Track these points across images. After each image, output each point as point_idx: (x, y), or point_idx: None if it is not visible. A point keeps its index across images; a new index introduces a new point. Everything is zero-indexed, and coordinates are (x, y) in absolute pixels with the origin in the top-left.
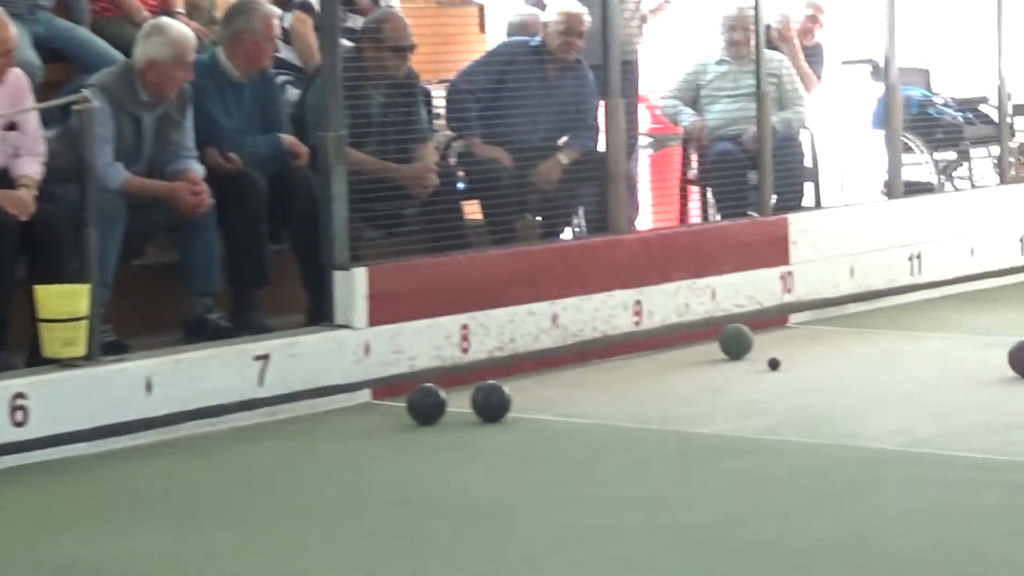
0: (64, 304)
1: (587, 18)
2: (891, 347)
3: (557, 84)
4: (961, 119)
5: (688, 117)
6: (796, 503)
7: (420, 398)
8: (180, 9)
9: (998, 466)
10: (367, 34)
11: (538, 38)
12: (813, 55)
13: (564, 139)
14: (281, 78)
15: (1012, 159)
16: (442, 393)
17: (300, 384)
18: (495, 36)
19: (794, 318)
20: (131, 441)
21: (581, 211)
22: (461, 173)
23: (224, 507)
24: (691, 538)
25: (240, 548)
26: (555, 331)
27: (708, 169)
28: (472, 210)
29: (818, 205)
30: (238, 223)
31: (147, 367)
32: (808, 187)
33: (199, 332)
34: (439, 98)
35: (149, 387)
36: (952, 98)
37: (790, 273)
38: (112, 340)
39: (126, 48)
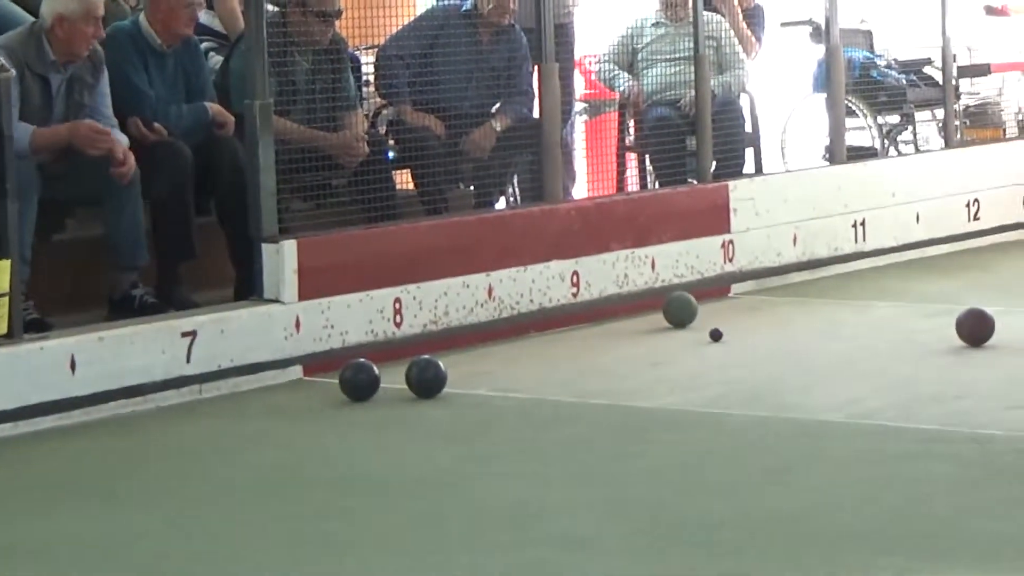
0: None
1: None
2: (836, 317)
3: (490, 49)
4: (905, 81)
5: (624, 82)
6: (741, 477)
7: (352, 374)
8: None
9: (948, 437)
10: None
11: (470, 1)
12: (752, 17)
13: (497, 106)
14: (205, 45)
15: (957, 122)
16: (375, 369)
17: (229, 361)
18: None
19: (736, 288)
20: (55, 421)
21: (515, 180)
22: (391, 142)
23: (151, 487)
24: (631, 515)
25: (167, 528)
26: (490, 304)
27: (646, 135)
28: (404, 180)
29: (759, 171)
30: (163, 195)
31: (70, 345)
32: (749, 153)
33: (124, 308)
34: (368, 64)
35: (73, 366)
36: (895, 60)
37: (731, 242)
38: (34, 318)
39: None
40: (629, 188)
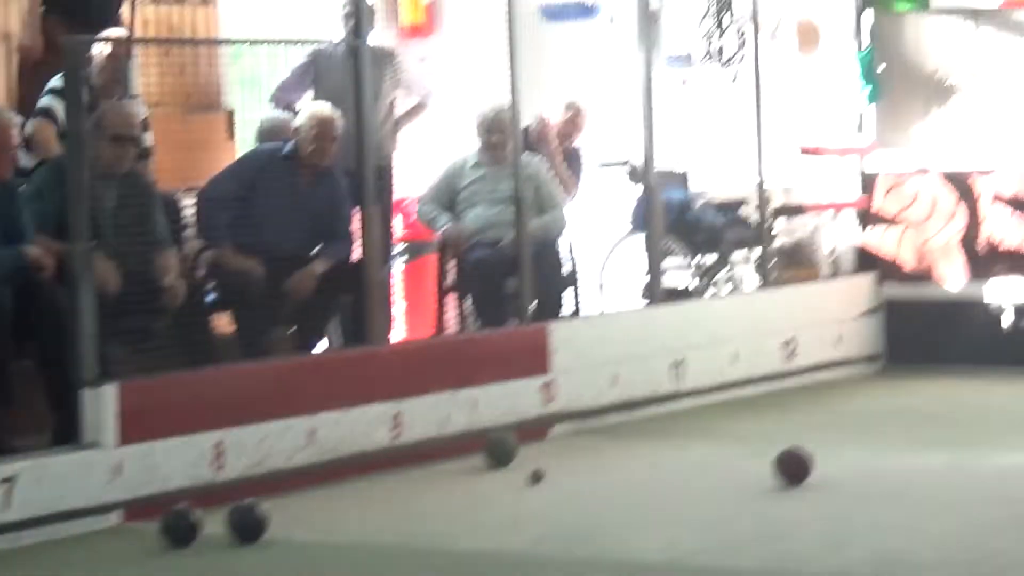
0: None
1: (339, 123)
2: (656, 457)
3: (310, 191)
4: (721, 222)
5: (445, 223)
6: None
7: (173, 520)
8: None
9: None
10: (93, 127)
11: (290, 145)
12: (572, 158)
13: (318, 248)
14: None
15: (773, 262)
16: (196, 514)
17: (48, 507)
18: (245, 142)
19: (556, 429)
20: None
21: (336, 322)
22: (212, 284)
23: None
24: None
25: None
26: (312, 447)
27: (466, 277)
28: (225, 322)
29: (578, 312)
30: None
31: None
32: (568, 293)
33: None
34: (189, 207)
35: None
36: (712, 200)
37: (551, 383)
38: None
39: None
40: (449, 330)
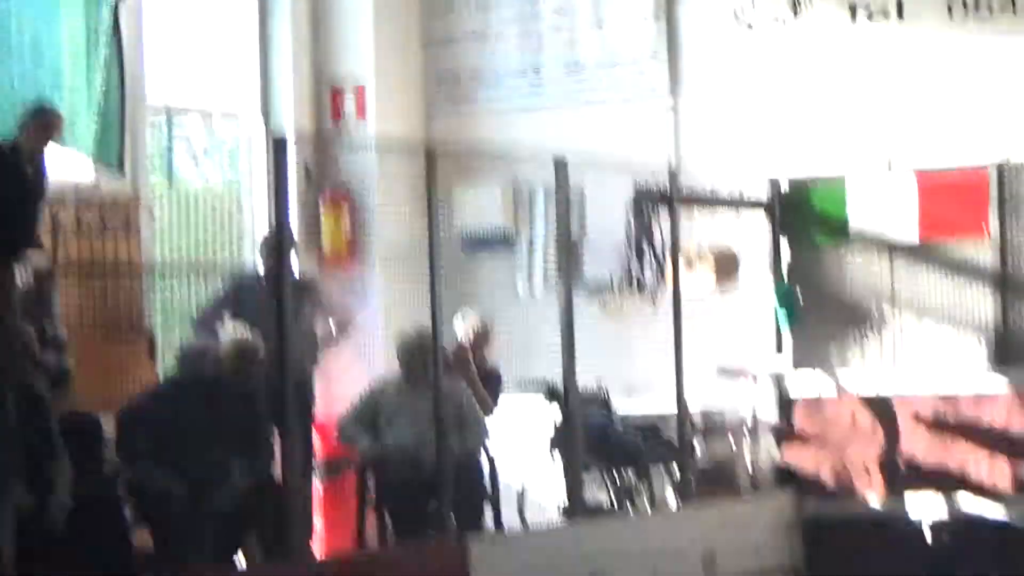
0: None
1: (259, 347)
2: None
3: (229, 412)
4: (641, 441)
5: (366, 442)
6: None
7: None
8: None
9: None
10: None
11: (212, 367)
12: (490, 378)
13: (238, 466)
14: None
15: (692, 480)
16: None
17: None
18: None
19: None
20: None
21: (255, 538)
22: (131, 502)
23: None
24: None
25: None
26: None
27: (386, 494)
28: (144, 540)
29: (498, 528)
30: None
31: None
32: (488, 510)
33: None
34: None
35: None
36: (632, 421)
37: None
38: None
39: None
40: (369, 546)
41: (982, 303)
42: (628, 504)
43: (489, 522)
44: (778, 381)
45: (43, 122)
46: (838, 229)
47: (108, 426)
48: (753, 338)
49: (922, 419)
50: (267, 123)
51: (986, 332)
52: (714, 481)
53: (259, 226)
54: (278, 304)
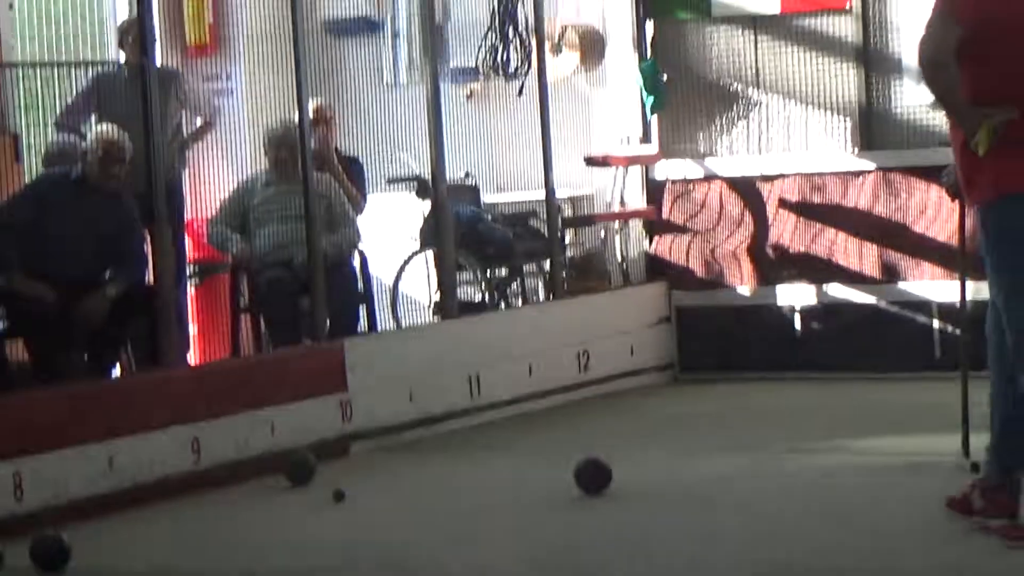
0: None
1: (127, 145)
2: (456, 473)
3: (99, 215)
4: (511, 235)
5: (236, 244)
6: None
7: None
8: None
9: None
10: None
11: (77, 168)
12: (355, 172)
13: (109, 272)
14: None
15: (563, 273)
16: None
17: None
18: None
19: (355, 447)
20: None
21: (130, 345)
22: (1, 310)
23: None
24: None
25: None
26: (112, 474)
27: (259, 297)
28: (18, 350)
29: (372, 329)
30: None
31: None
32: (362, 310)
33: None
34: None
35: None
36: (501, 213)
37: (349, 401)
38: None
39: None
40: (245, 351)
41: (846, 81)
42: (500, 299)
43: (363, 322)
44: (645, 169)
45: None
46: (699, 3)
47: None
48: (620, 125)
49: (789, 203)
50: None
51: (850, 112)
52: (585, 274)
53: (120, 17)
54: (143, 98)
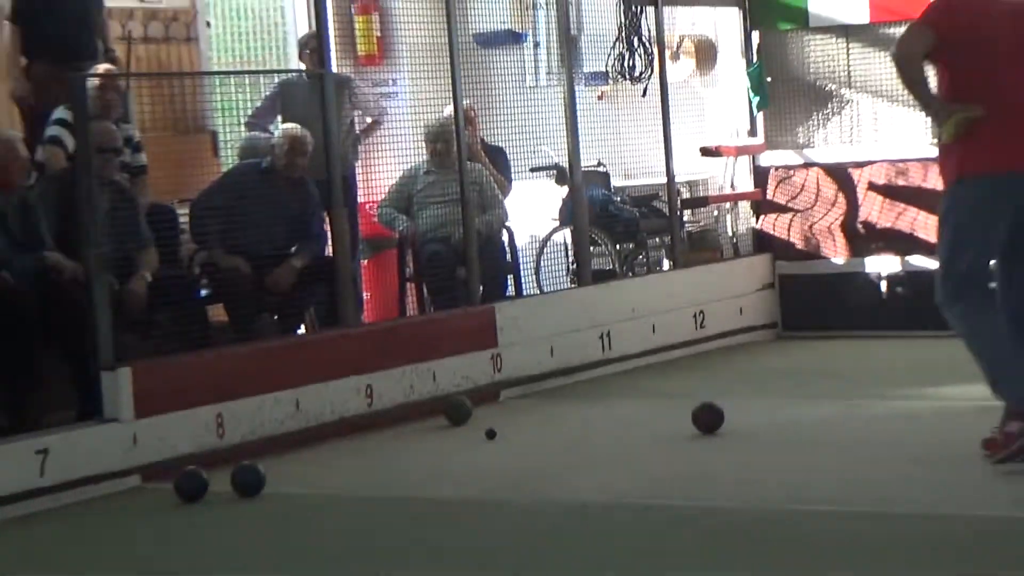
0: None
1: (309, 140)
2: (591, 414)
3: (286, 199)
4: (637, 214)
5: (402, 223)
6: (521, 560)
7: (184, 480)
8: None
9: (690, 512)
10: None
11: (267, 160)
12: (500, 161)
13: (295, 247)
14: None
15: (682, 247)
16: (204, 474)
17: (77, 473)
18: (228, 159)
19: (505, 393)
20: None
21: (313, 309)
22: (204, 281)
23: None
24: None
25: None
26: (298, 415)
27: (422, 268)
28: (218, 312)
29: (519, 294)
30: (11, 334)
31: None
32: (510, 279)
33: None
34: (183, 215)
35: None
36: (629, 196)
37: (499, 355)
38: None
39: None
40: (410, 313)
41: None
42: (628, 269)
43: (511, 289)
44: (753, 157)
45: None
46: (799, 15)
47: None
48: (730, 119)
49: (876, 185)
50: None
51: None
52: (701, 247)
53: (301, 32)
54: (321, 100)
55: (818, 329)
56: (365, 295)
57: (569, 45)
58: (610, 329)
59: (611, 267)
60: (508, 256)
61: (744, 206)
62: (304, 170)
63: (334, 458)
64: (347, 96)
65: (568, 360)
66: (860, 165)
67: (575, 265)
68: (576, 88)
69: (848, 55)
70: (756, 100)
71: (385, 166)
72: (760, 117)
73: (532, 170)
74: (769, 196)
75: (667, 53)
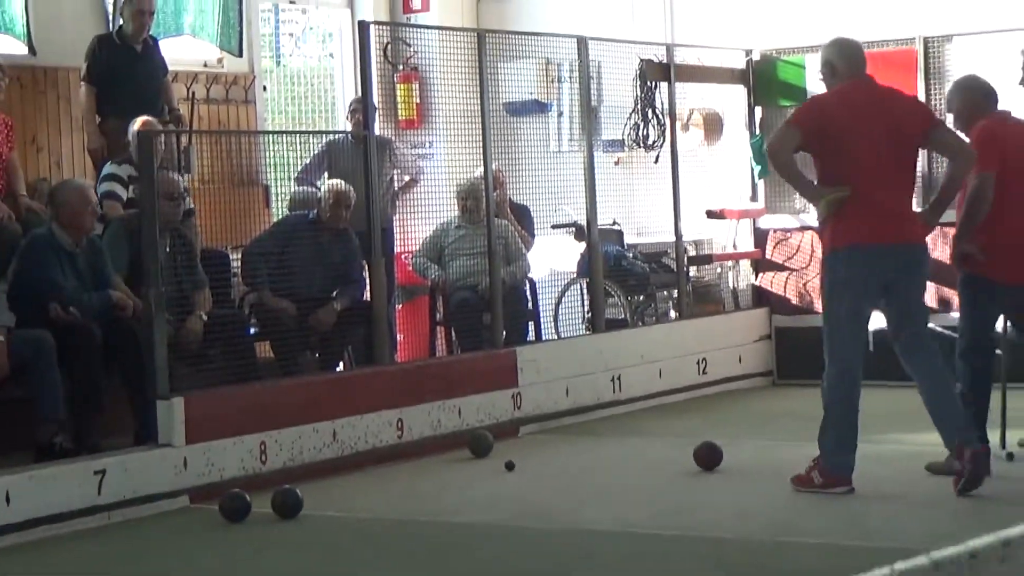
0: None
1: (352, 194)
2: (602, 450)
3: (329, 248)
4: (648, 269)
5: (434, 272)
6: None
7: (229, 501)
8: (22, 192)
9: (691, 540)
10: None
11: (313, 212)
12: (525, 218)
13: (337, 291)
14: None
15: (687, 300)
16: (247, 497)
17: (132, 493)
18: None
19: (524, 429)
20: None
21: (351, 348)
22: (253, 320)
23: None
24: None
25: None
26: (335, 444)
27: (451, 313)
28: (264, 349)
29: (539, 339)
30: (77, 364)
31: (5, 482)
32: (530, 325)
33: (48, 453)
34: (235, 260)
35: (8, 499)
36: (640, 252)
37: (519, 394)
38: None
39: None
40: (440, 354)
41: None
42: (638, 319)
43: (531, 334)
44: (754, 220)
45: (137, 8)
46: (798, 93)
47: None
48: (734, 185)
49: None
50: (353, 13)
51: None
52: (704, 300)
53: (347, 97)
54: (364, 159)
55: (810, 377)
56: (399, 336)
57: (589, 115)
58: (620, 373)
59: (623, 316)
60: (529, 304)
61: (745, 264)
62: (347, 222)
63: (367, 484)
64: (388, 156)
65: (582, 400)
66: None
67: (590, 314)
68: (595, 154)
69: None
70: (758, 169)
71: (420, 220)
72: (761, 184)
73: (553, 227)
74: (768, 256)
75: (678, 124)
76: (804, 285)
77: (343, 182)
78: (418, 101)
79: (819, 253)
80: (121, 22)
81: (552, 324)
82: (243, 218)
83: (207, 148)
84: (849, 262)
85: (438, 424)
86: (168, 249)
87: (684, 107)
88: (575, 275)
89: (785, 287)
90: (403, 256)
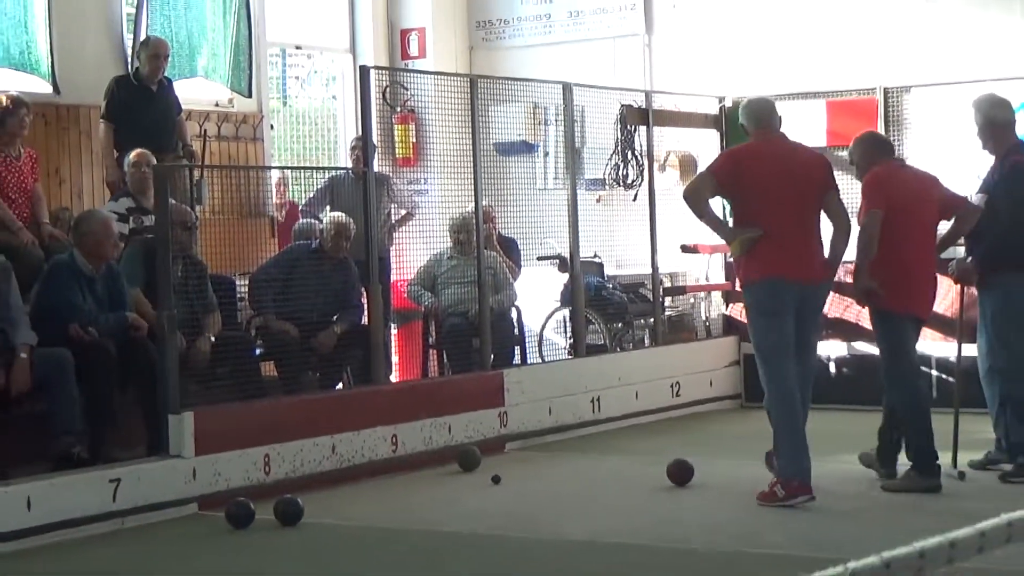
0: None
1: (353, 226)
2: (582, 466)
3: (331, 275)
4: (626, 299)
5: (428, 299)
6: None
7: (234, 509)
8: (45, 220)
9: (662, 551)
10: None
11: (316, 241)
12: (512, 250)
13: (337, 316)
14: None
15: (662, 328)
16: (252, 505)
17: (144, 500)
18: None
19: (509, 445)
20: (15, 546)
21: (349, 368)
22: (259, 341)
23: None
24: None
25: None
26: (334, 457)
27: (443, 337)
28: (269, 368)
29: (524, 362)
30: (94, 380)
31: (26, 489)
32: (516, 349)
33: (65, 463)
34: (242, 286)
35: (29, 504)
36: (619, 283)
37: (505, 412)
38: None
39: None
40: (432, 375)
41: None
42: (617, 345)
43: (517, 357)
44: (725, 255)
45: (152, 52)
46: None
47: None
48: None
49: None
50: (355, 58)
51: None
52: (678, 328)
53: (349, 136)
54: (364, 194)
55: None
56: (394, 358)
57: (573, 155)
58: (600, 395)
59: (602, 342)
60: (516, 330)
61: (716, 295)
62: (347, 252)
63: (363, 495)
64: (386, 191)
65: (564, 419)
66: None
67: (572, 340)
68: (578, 191)
69: None
70: (729, 207)
71: (415, 251)
72: (731, 221)
73: (539, 259)
74: (738, 288)
75: (655, 165)
76: None
77: (344, 215)
78: (414, 140)
79: None
80: (138, 64)
81: (537, 349)
82: (250, 247)
83: (217, 182)
84: (768, 292)
85: (430, 440)
86: (180, 274)
87: (661, 149)
88: (558, 304)
89: None
90: (399, 284)
